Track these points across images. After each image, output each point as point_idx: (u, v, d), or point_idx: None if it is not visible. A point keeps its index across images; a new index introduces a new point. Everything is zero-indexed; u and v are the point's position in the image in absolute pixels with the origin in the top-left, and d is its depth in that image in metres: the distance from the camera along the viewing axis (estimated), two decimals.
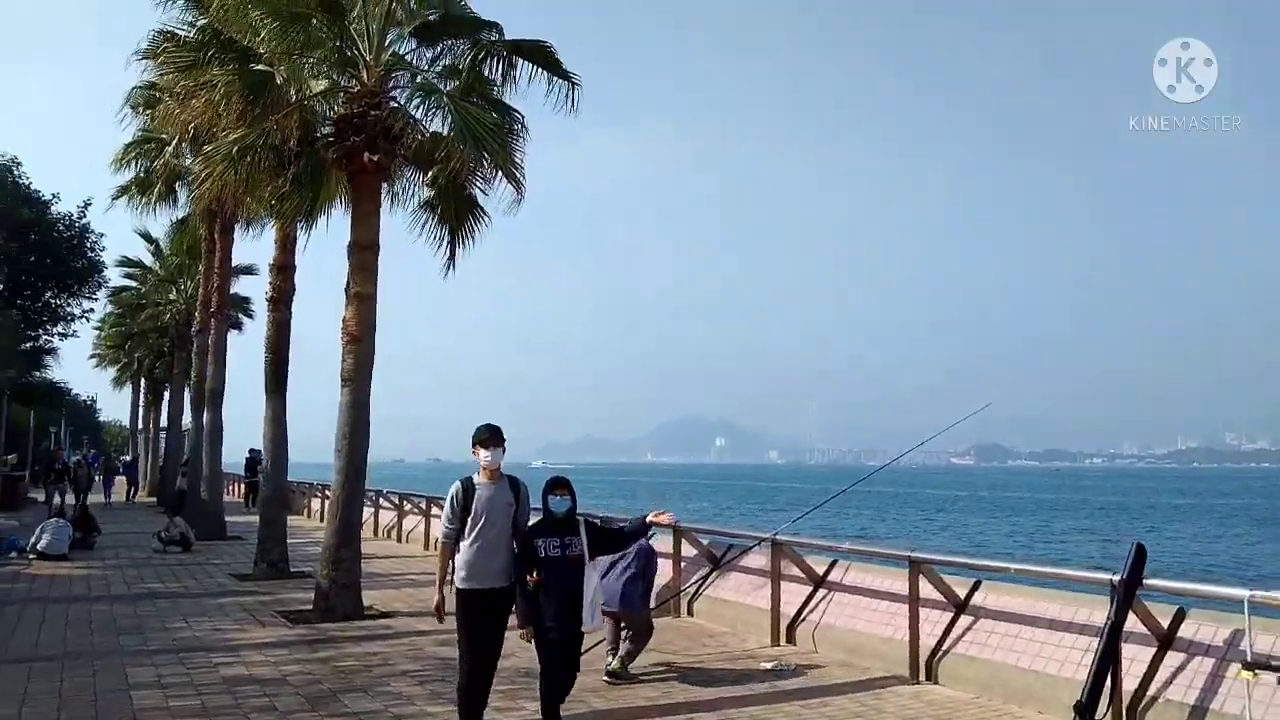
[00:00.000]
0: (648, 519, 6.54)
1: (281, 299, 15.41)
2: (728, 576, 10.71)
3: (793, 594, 9.66)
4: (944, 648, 7.90)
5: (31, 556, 16.07)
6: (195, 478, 23.00)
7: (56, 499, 25.24)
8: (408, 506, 21.22)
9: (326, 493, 26.86)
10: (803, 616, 9.46)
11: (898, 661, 8.09)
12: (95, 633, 9.95)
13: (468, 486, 5.95)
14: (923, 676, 7.86)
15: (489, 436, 5.97)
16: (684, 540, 11.19)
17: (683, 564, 11.21)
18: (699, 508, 76.37)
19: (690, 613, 10.95)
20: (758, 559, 10.22)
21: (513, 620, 5.99)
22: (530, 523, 6.07)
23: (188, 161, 19.42)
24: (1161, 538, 48.52)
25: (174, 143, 15.27)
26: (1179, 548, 41.22)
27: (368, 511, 23.07)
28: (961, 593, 8.12)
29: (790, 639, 9.44)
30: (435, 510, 19.28)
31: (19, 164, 29.47)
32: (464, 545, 5.87)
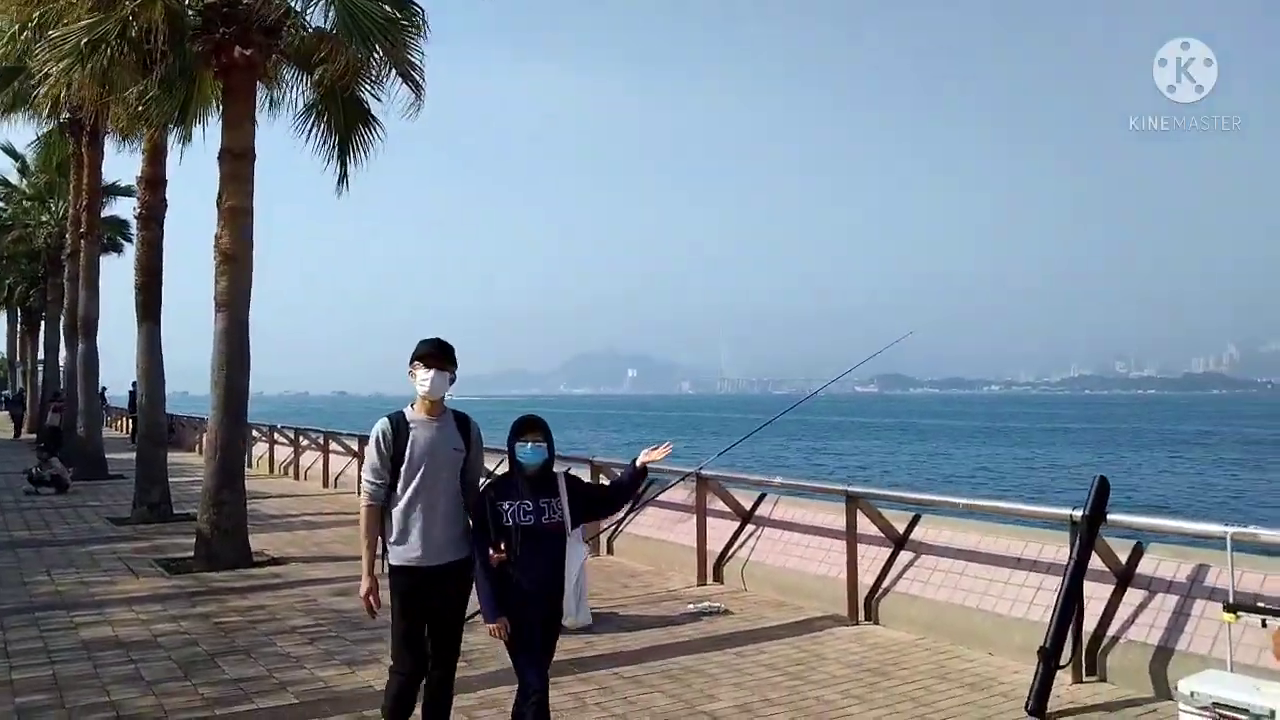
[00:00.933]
0: (639, 461, 4.45)
1: (152, 216, 13.94)
2: (648, 512, 10.04)
3: (719, 530, 9.05)
4: (884, 586, 7.40)
5: None
6: (71, 413, 21.31)
7: None
8: (304, 442, 20.03)
9: None
10: (730, 554, 8.89)
11: (834, 601, 7.56)
12: None
13: (398, 425, 4.25)
14: (862, 617, 7.36)
15: (431, 352, 4.27)
16: (602, 475, 10.48)
17: None
18: (614, 439, 76.41)
19: (610, 550, 10.30)
20: (680, 493, 9.57)
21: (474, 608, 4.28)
22: (491, 478, 4.43)
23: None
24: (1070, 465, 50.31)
25: (17, 34, 13.50)
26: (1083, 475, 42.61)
27: (262, 447, 21.86)
28: (901, 528, 7.62)
29: (718, 578, 8.86)
30: (335, 446, 18.21)
31: None
32: (398, 507, 4.22)
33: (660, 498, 9.98)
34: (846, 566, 7.45)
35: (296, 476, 19.46)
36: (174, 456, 23.20)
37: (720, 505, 9.10)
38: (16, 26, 12.96)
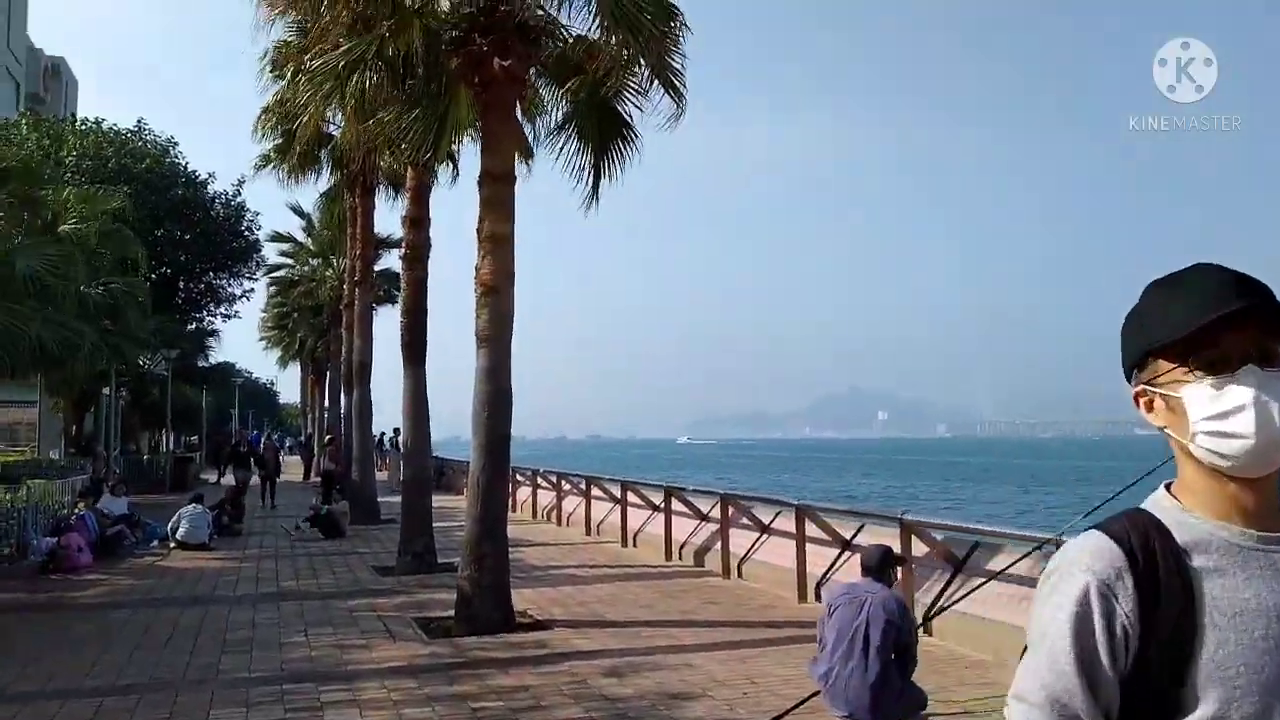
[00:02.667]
0: None
1: (417, 256, 13.67)
2: (976, 583, 8.07)
3: None
4: None
5: (172, 545, 14.99)
6: (346, 458, 21.91)
7: (232, 478, 24.49)
8: (566, 486, 19.35)
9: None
10: None
11: None
12: (196, 652, 8.24)
13: (1151, 562, 1.29)
14: None
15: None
16: (914, 536, 8.65)
17: (914, 569, 8.66)
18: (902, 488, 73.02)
19: (927, 630, 8.41)
20: (1024, 564, 7.54)
21: None
22: None
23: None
24: None
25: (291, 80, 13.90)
26: None
27: (525, 491, 21.46)
28: None
29: None
30: (596, 491, 17.32)
31: (175, 144, 29.35)
32: None
33: (990, 566, 8.06)
34: None
35: (559, 523, 18.78)
36: (443, 500, 23.54)
37: None
38: (290, 72, 13.11)
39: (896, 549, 8.41)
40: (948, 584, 8.50)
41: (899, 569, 6.20)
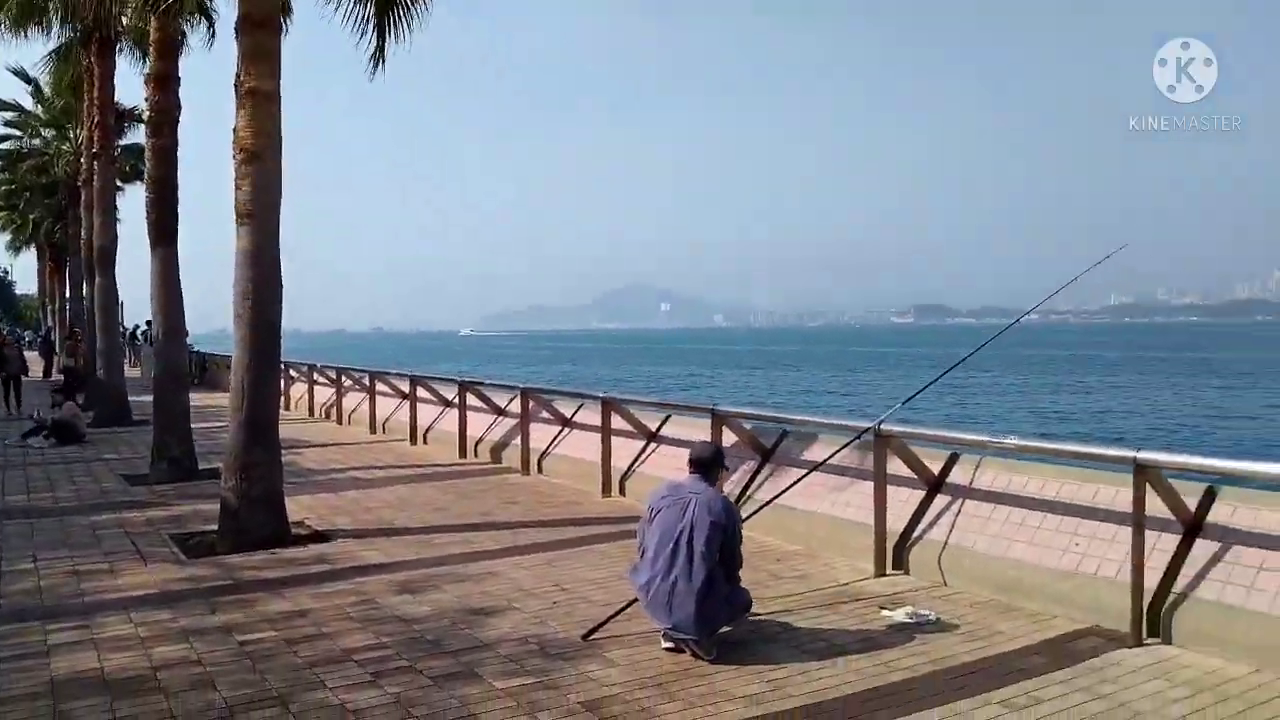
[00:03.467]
0: None
1: (164, 120, 11.77)
2: (789, 473, 7.86)
3: (898, 504, 6.86)
4: (1178, 589, 5.22)
5: None
6: (91, 353, 19.49)
7: None
8: (347, 383, 18.05)
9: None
10: (919, 535, 6.69)
11: (1091, 609, 5.39)
12: None
13: None
14: (1145, 633, 5.17)
15: None
16: (725, 427, 8.33)
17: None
18: (662, 373, 74.52)
19: None
20: (836, 453, 7.35)
21: None
22: None
23: None
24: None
25: None
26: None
27: (301, 388, 19.97)
28: (1191, 504, 5.40)
29: (900, 565, 6.68)
30: (381, 387, 16.21)
31: None
32: None
33: (804, 455, 7.88)
34: (1132, 562, 5.23)
35: (340, 421, 17.52)
36: (207, 398, 21.56)
37: (902, 469, 6.88)
38: None
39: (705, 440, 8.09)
40: (754, 475, 8.29)
41: (725, 470, 5.77)
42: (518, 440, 11.60)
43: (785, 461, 8.12)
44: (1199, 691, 4.49)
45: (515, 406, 12.40)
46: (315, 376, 19.58)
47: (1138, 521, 5.20)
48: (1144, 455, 5.20)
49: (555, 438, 11.31)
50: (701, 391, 51.96)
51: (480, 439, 12.71)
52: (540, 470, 11.19)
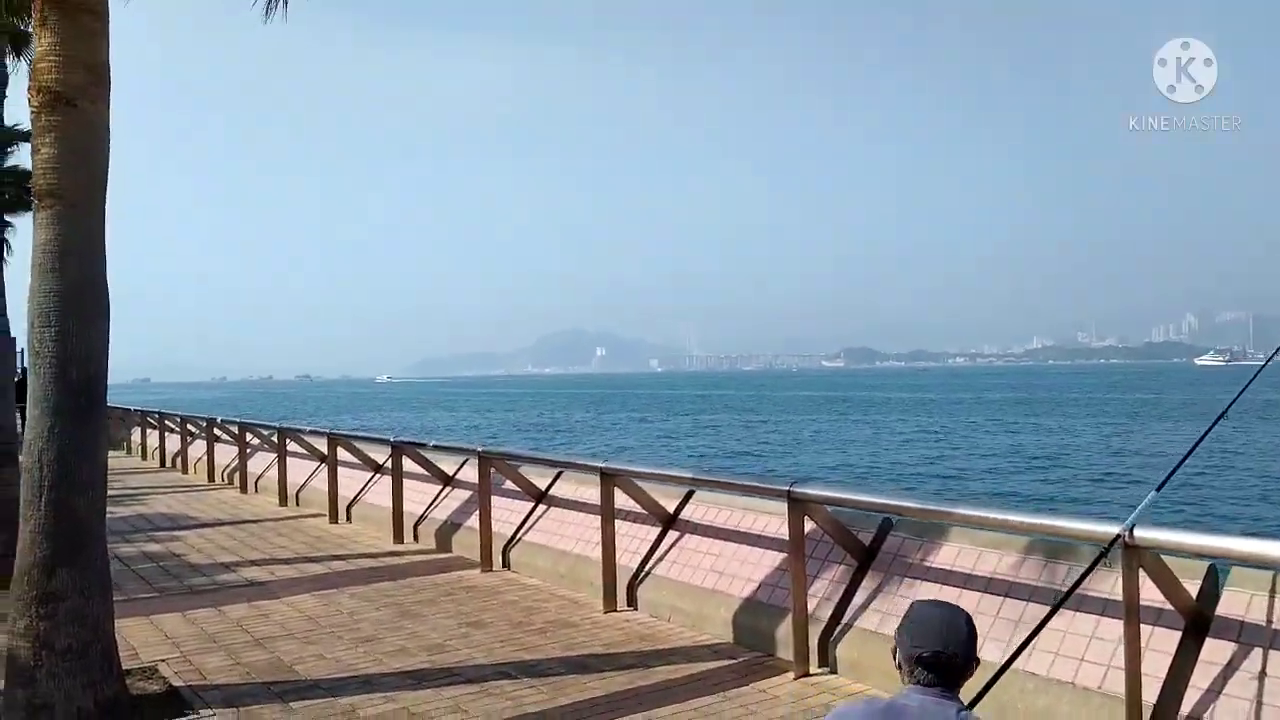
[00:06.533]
0: None
1: None
2: (894, 586, 5.09)
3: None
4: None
5: None
6: None
7: None
8: (254, 441, 14.85)
9: (154, 421, 20.16)
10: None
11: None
12: None
13: None
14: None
15: None
16: (808, 517, 5.54)
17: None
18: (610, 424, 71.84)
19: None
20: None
21: None
22: None
23: None
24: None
25: None
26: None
27: (200, 447, 16.72)
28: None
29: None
30: (294, 446, 13.11)
31: None
32: None
33: (930, 560, 5.15)
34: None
35: (244, 488, 14.28)
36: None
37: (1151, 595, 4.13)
38: None
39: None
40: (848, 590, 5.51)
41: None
42: (474, 521, 8.65)
43: (901, 571, 5.36)
44: None
45: (469, 474, 9.48)
46: (216, 433, 16.27)
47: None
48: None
49: (528, 518, 8.38)
50: (702, 442, 46.96)
51: (422, 518, 9.69)
52: (507, 564, 8.24)
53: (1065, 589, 4.67)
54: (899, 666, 2.53)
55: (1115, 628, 4.03)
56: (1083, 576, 3.71)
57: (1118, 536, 3.84)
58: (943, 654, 2.43)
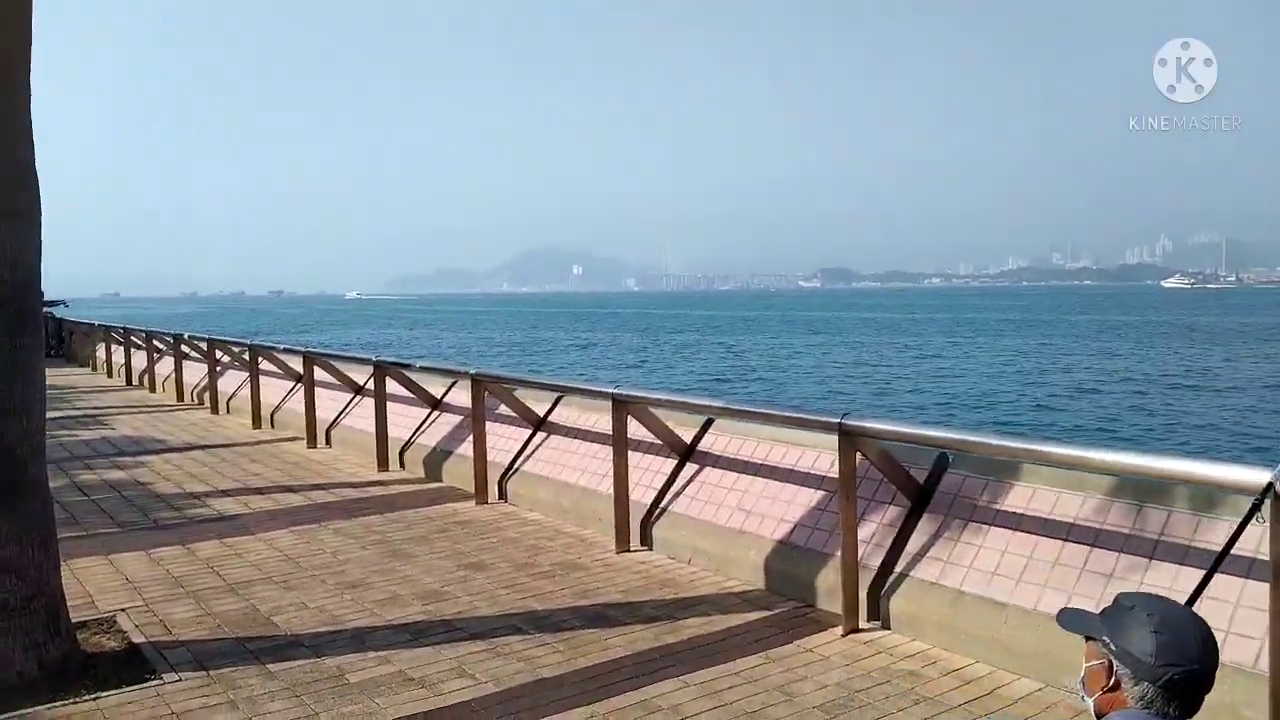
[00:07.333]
0: None
1: None
2: (949, 529, 4.47)
3: None
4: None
5: None
6: None
7: None
8: (224, 358, 14.05)
9: (118, 336, 19.24)
10: None
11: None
12: None
13: None
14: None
15: None
16: (861, 452, 4.88)
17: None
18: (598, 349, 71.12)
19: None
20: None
21: None
22: None
23: None
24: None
25: None
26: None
27: (168, 364, 15.90)
28: None
29: None
30: (267, 365, 12.34)
31: None
32: None
33: (990, 501, 4.51)
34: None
35: (215, 409, 13.49)
36: (61, 375, 17.49)
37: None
38: None
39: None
40: (901, 532, 4.88)
41: None
42: (466, 449, 7.96)
43: (964, 514, 4.73)
44: None
45: (458, 398, 8.77)
46: (185, 350, 15.42)
47: None
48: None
49: (526, 446, 7.69)
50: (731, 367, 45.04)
51: (408, 444, 8.99)
52: (504, 496, 7.57)
53: (1157, 537, 4.07)
54: (1109, 688, 1.85)
55: (1261, 594, 3.39)
56: (1238, 531, 3.08)
57: (1270, 485, 3.18)
58: (1207, 676, 1.76)
